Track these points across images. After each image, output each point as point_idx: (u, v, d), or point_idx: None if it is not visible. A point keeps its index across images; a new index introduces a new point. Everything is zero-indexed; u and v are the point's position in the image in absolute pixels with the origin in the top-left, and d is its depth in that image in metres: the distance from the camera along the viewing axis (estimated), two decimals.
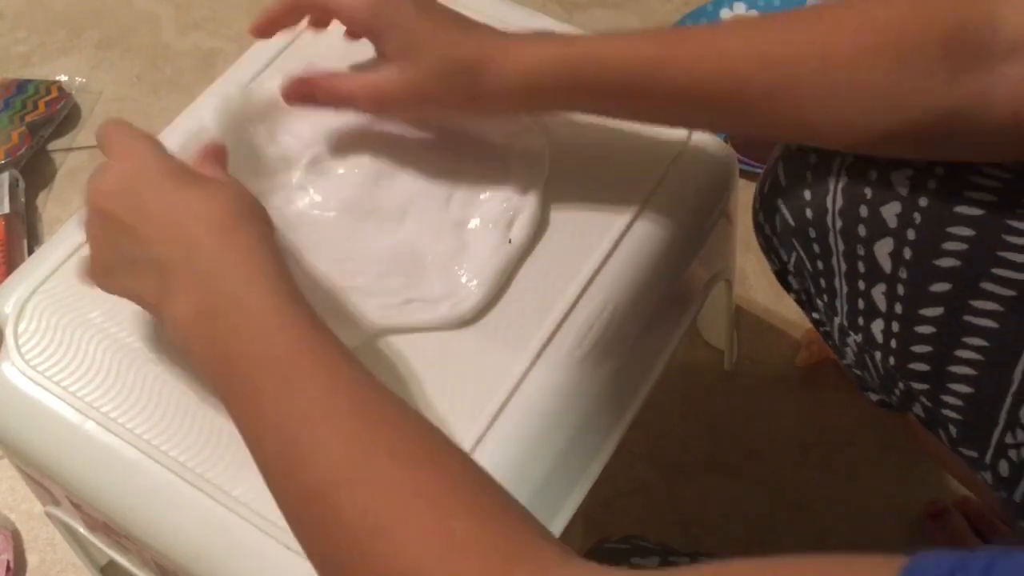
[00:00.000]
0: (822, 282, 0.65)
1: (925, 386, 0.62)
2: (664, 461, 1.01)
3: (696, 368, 1.07)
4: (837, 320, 0.66)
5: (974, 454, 0.62)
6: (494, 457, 0.61)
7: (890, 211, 0.60)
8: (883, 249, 0.60)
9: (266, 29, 0.70)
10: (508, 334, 0.66)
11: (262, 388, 0.50)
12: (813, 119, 0.58)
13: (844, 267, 0.63)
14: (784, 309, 1.11)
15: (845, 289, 0.64)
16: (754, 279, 1.14)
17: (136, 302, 0.58)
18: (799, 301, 0.71)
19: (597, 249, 0.70)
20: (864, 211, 0.60)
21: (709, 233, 0.77)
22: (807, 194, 0.63)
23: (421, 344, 0.66)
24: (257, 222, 0.56)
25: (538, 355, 0.65)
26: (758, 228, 0.70)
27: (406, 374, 0.65)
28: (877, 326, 0.63)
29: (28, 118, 1.28)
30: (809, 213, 0.63)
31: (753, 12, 1.32)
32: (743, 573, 0.41)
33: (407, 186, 0.71)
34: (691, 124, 0.71)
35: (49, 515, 0.77)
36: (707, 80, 0.59)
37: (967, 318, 0.59)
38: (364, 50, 0.77)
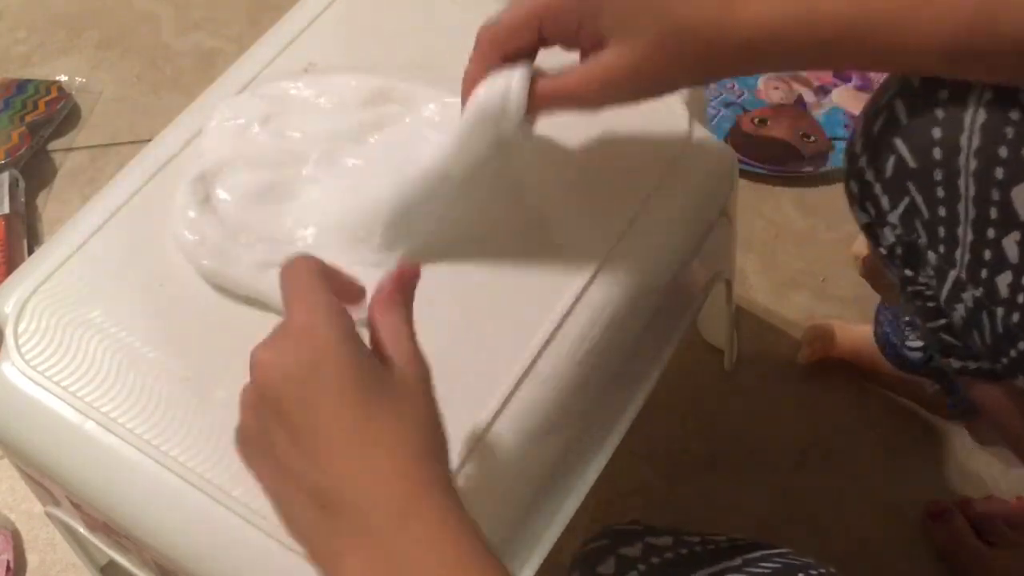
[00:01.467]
0: (941, 230, 0.60)
1: None
2: (664, 461, 1.01)
3: (696, 368, 1.07)
4: (953, 273, 0.61)
5: None
6: (494, 456, 0.61)
7: None
8: (1022, 194, 0.56)
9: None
10: (508, 334, 0.66)
11: None
12: None
13: (973, 213, 0.58)
14: (784, 309, 1.11)
15: (970, 238, 0.59)
16: (754, 279, 1.14)
17: (273, 502, 0.48)
18: (889, 256, 0.66)
19: (597, 249, 0.70)
20: (1004, 152, 0.56)
21: (709, 233, 0.77)
22: (936, 132, 0.58)
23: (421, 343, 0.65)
24: (444, 463, 0.47)
25: (538, 355, 0.65)
26: (856, 174, 0.64)
27: None
28: (1004, 279, 0.58)
29: (28, 118, 1.28)
30: (938, 153, 0.58)
31: None
32: None
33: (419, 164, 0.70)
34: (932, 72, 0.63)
35: (49, 515, 0.77)
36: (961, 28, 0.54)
37: None
38: (368, 47, 0.78)
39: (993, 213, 0.57)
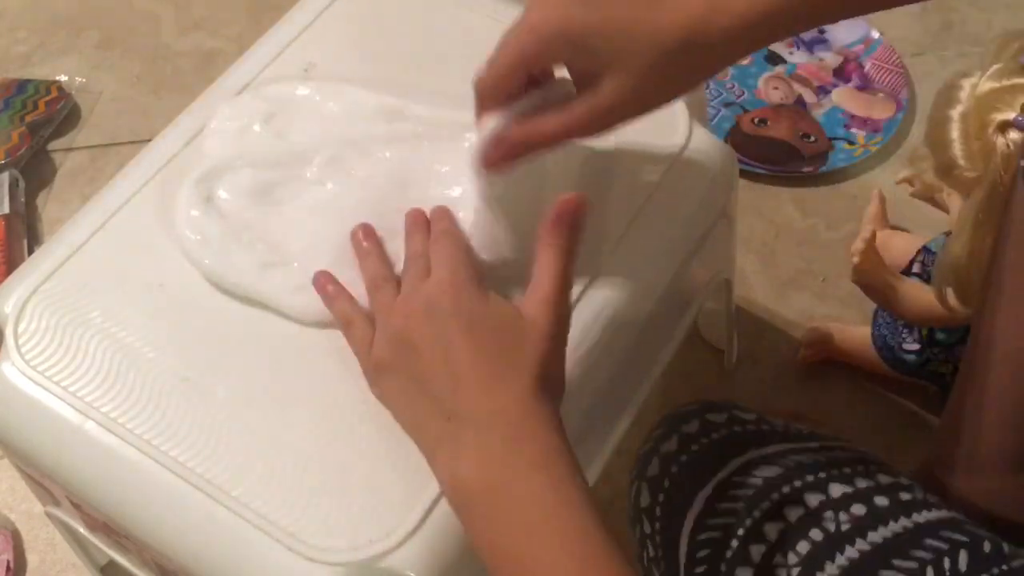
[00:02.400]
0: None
1: None
2: None
3: (696, 368, 1.07)
4: None
5: None
6: None
7: None
8: None
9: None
10: None
11: None
12: None
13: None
14: (784, 309, 1.11)
15: None
16: (754, 279, 1.14)
17: (397, 416, 0.59)
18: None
19: (598, 249, 0.70)
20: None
21: (709, 233, 0.77)
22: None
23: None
24: (553, 401, 0.56)
25: None
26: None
27: None
28: None
29: (28, 118, 1.28)
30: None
31: None
32: None
33: (427, 193, 0.70)
34: None
35: (49, 515, 0.77)
36: None
37: None
38: (368, 47, 0.78)
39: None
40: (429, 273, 0.60)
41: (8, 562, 0.97)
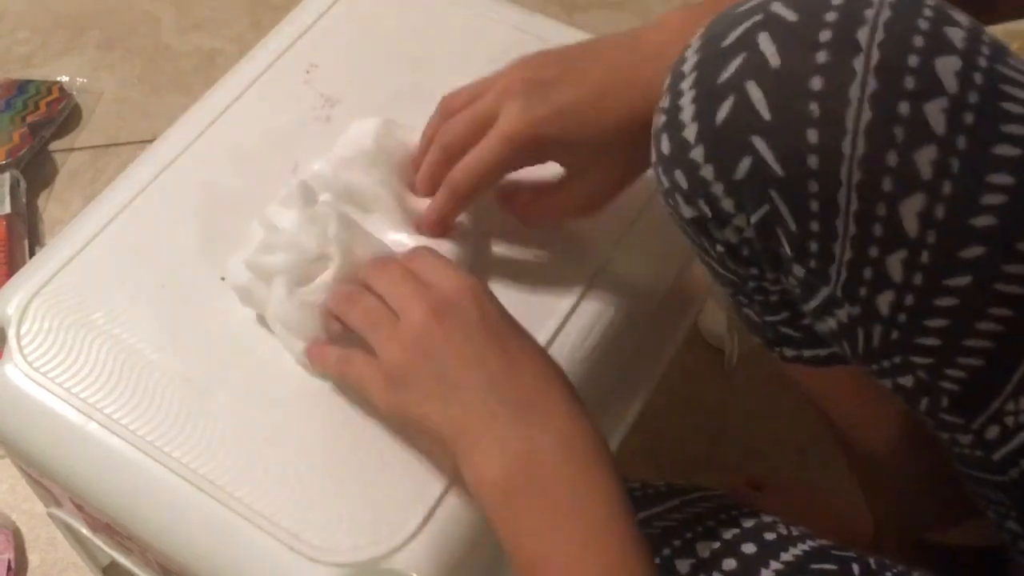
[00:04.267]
0: (812, 246, 0.52)
1: (928, 360, 0.53)
2: (664, 461, 1.01)
3: (696, 368, 1.07)
4: (825, 290, 0.54)
5: (959, 420, 0.55)
6: None
7: (925, 157, 0.47)
8: (912, 208, 0.48)
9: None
10: None
11: None
12: None
13: (854, 230, 0.50)
14: None
15: (848, 256, 0.51)
16: None
17: (425, 422, 0.58)
18: (727, 254, 0.58)
19: (598, 250, 0.70)
20: (893, 159, 0.48)
21: None
22: (811, 135, 0.48)
23: None
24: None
25: None
26: (685, 166, 0.53)
27: None
28: (885, 298, 0.51)
29: (29, 118, 1.28)
30: (814, 161, 0.49)
31: None
32: None
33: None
34: None
35: (51, 516, 0.77)
36: None
37: (998, 286, 0.49)
38: (369, 48, 0.78)
39: (877, 230, 0.50)
40: (422, 287, 0.60)
41: (9, 561, 0.97)
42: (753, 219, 0.53)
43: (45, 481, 0.71)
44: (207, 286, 0.68)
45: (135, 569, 0.73)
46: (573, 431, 0.55)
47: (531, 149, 0.63)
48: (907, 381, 0.54)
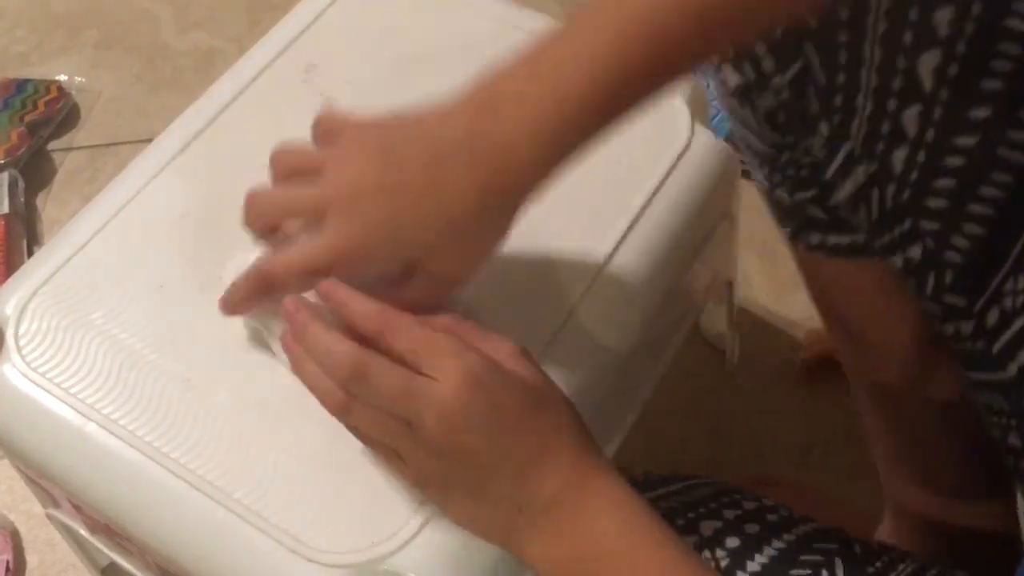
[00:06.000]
0: (838, 99, 0.56)
1: (935, 225, 0.56)
2: (664, 461, 1.01)
3: (696, 368, 1.07)
4: (847, 146, 0.57)
5: (960, 302, 0.58)
6: None
7: (943, 17, 0.50)
8: (928, 63, 0.51)
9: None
10: (509, 337, 0.66)
11: None
12: None
13: (875, 81, 0.53)
14: (785, 309, 1.11)
15: (869, 109, 0.55)
16: (755, 279, 1.14)
17: (468, 516, 0.55)
18: (766, 121, 0.60)
19: (599, 250, 0.70)
20: (914, 14, 0.51)
21: (711, 234, 0.77)
22: None
23: None
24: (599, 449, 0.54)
25: (539, 358, 0.65)
26: None
27: None
28: (899, 155, 0.55)
29: (27, 118, 1.28)
30: (845, 13, 0.53)
31: None
32: None
33: None
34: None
35: (50, 517, 0.77)
36: None
37: (1001, 152, 0.52)
38: (368, 48, 0.77)
39: (896, 83, 0.53)
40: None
41: (7, 562, 0.97)
42: (788, 75, 0.56)
43: (43, 482, 0.71)
44: (206, 286, 0.68)
45: (134, 570, 0.73)
46: (610, 493, 0.53)
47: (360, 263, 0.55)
48: (915, 252, 0.57)
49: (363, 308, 0.54)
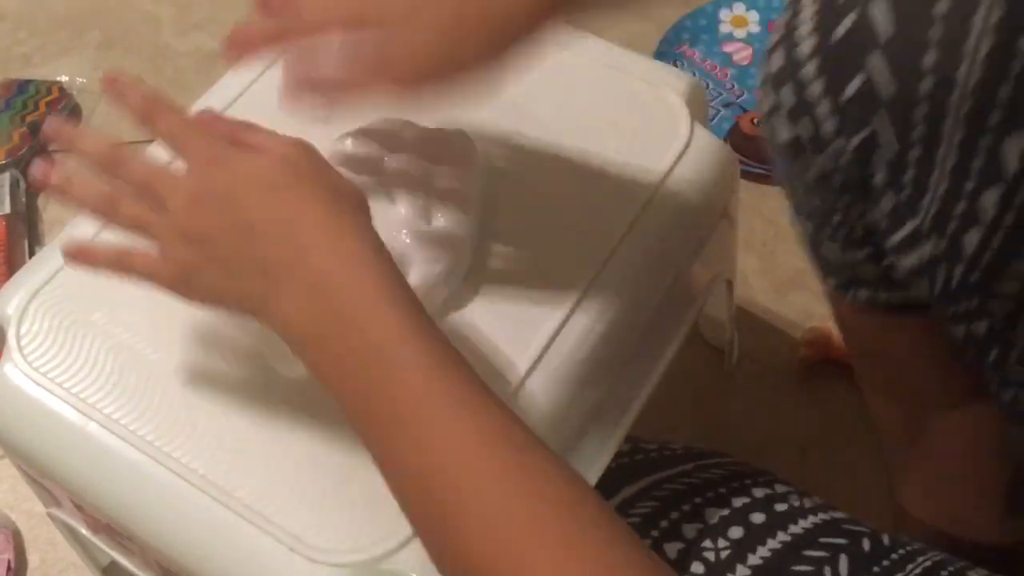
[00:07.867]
0: (908, 174, 0.51)
1: (1007, 307, 0.53)
2: None
3: (696, 368, 1.07)
4: (913, 223, 0.53)
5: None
6: None
7: None
8: (1016, 144, 0.47)
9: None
10: (509, 337, 0.66)
11: (398, 433, 0.48)
12: None
13: (953, 160, 0.49)
14: (784, 309, 1.11)
15: (943, 187, 0.50)
16: (754, 279, 1.14)
17: (227, 306, 0.55)
18: (820, 181, 0.57)
19: (599, 250, 0.70)
20: (1005, 91, 0.47)
21: (710, 234, 0.77)
22: (928, 58, 0.48)
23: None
24: (355, 201, 0.53)
25: (540, 357, 0.65)
26: (795, 82, 0.53)
27: None
28: (972, 236, 0.51)
29: (29, 118, 1.28)
30: (928, 84, 0.48)
31: (752, 13, 1.32)
32: None
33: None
34: None
35: (51, 516, 0.77)
36: None
37: None
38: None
39: (977, 163, 0.49)
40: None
41: (9, 561, 0.97)
42: (855, 141, 0.52)
43: (45, 481, 0.71)
44: None
45: (135, 570, 0.73)
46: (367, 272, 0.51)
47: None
48: (980, 328, 0.54)
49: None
